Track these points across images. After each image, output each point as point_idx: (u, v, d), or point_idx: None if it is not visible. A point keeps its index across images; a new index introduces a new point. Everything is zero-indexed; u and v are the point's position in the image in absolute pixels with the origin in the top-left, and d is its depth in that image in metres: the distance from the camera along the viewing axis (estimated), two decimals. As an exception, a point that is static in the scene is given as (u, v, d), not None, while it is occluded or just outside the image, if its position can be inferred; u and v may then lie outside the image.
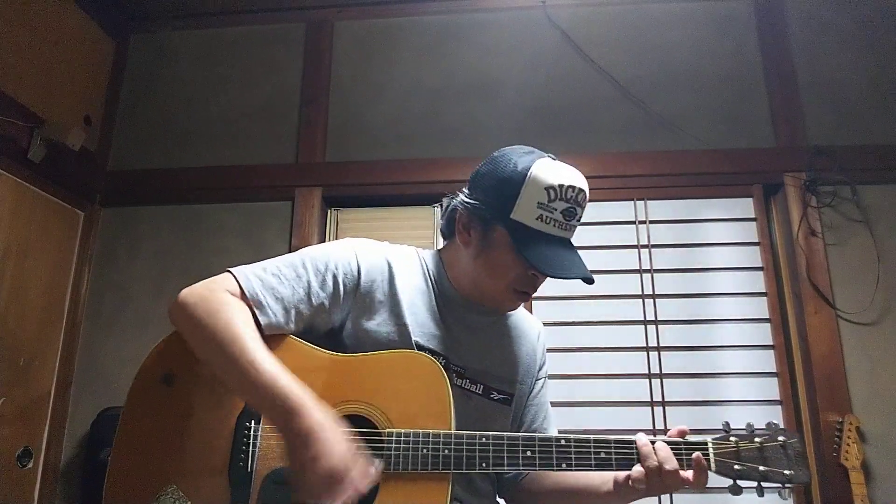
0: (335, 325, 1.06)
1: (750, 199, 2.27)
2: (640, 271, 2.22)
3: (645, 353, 2.14)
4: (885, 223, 2.15)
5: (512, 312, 1.19)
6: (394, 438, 0.95)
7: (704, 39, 2.44)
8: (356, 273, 1.06)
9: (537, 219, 1.00)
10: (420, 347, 1.04)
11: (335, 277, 1.04)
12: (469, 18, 2.54)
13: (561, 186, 1.00)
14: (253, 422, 0.98)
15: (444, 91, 2.46)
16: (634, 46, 2.45)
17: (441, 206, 1.16)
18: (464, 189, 1.10)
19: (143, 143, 2.53)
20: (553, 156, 1.06)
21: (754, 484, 0.97)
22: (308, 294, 1.02)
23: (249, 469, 0.95)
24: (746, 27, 2.43)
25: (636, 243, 2.25)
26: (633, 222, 2.27)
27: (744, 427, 1.01)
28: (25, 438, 2.08)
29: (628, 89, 2.38)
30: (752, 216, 2.25)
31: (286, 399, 0.87)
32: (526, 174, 1.00)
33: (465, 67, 2.49)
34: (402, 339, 1.04)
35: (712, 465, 0.96)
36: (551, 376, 2.10)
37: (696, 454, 0.95)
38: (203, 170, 2.45)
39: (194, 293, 0.98)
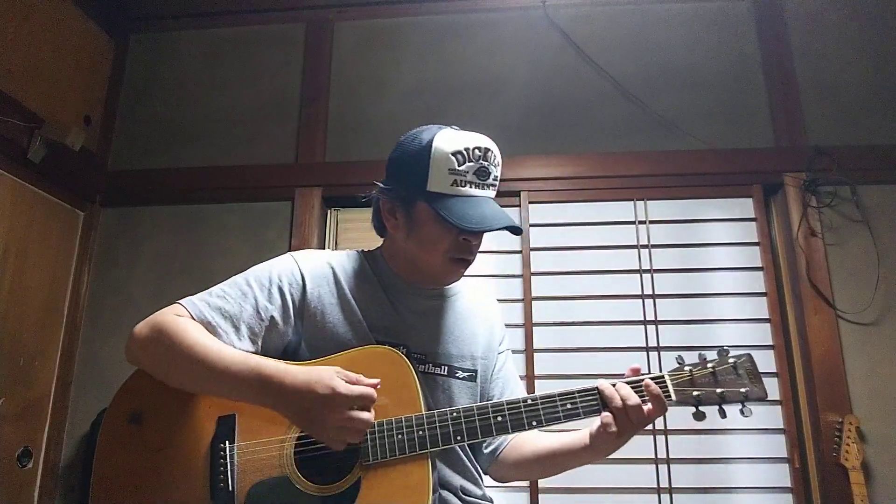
0: (291, 339, 1.08)
1: (750, 200, 2.27)
2: (640, 271, 2.22)
3: (645, 353, 2.14)
4: (885, 223, 2.15)
5: (463, 291, 1.22)
6: (367, 432, 0.96)
7: (704, 39, 2.44)
8: (301, 281, 1.08)
9: (452, 184, 1.04)
10: (378, 342, 1.06)
11: (281, 289, 1.07)
12: (469, 18, 2.54)
13: (467, 149, 1.04)
14: (227, 442, 0.98)
15: (445, 91, 2.46)
16: (634, 46, 2.45)
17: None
18: (381, 181, 1.15)
19: (143, 143, 2.53)
20: (456, 127, 1.10)
21: (716, 407, 1.01)
22: (256, 309, 1.04)
23: (231, 488, 0.96)
24: (746, 27, 2.43)
25: (636, 243, 2.25)
26: (633, 222, 2.27)
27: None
28: (25, 438, 2.08)
29: (628, 89, 2.39)
30: (752, 216, 2.25)
31: (260, 372, 0.92)
32: (431, 146, 1.04)
33: (465, 67, 2.49)
34: (359, 337, 1.06)
35: (672, 396, 1.00)
36: (552, 376, 2.12)
37: (645, 380, 1.00)
38: (203, 170, 2.45)
39: (145, 324, 1.02)
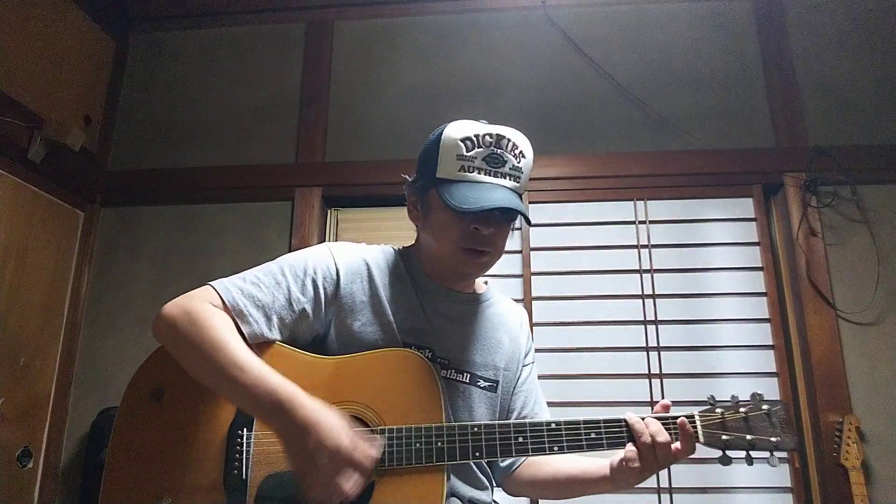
0: (319, 332, 1.07)
1: (750, 200, 2.27)
2: (640, 271, 2.22)
3: (645, 353, 2.14)
4: (885, 223, 2.15)
5: (494, 300, 1.20)
6: (386, 435, 0.96)
7: (704, 39, 2.44)
8: (335, 276, 1.07)
9: (459, 170, 1.02)
10: (405, 344, 1.05)
11: (315, 282, 1.05)
12: (469, 18, 2.54)
13: (477, 136, 1.03)
14: (245, 430, 0.98)
15: (444, 91, 2.46)
16: (634, 46, 2.45)
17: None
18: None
19: (143, 143, 2.53)
20: (485, 121, 1.08)
21: (743, 454, 0.98)
22: (289, 300, 1.02)
23: (244, 477, 0.95)
24: (746, 27, 2.43)
25: (636, 243, 2.25)
26: (633, 222, 2.27)
27: (728, 398, 1.02)
28: (25, 438, 2.08)
29: (628, 89, 2.39)
30: (752, 216, 2.25)
31: (277, 394, 0.88)
32: (441, 134, 1.04)
33: (465, 67, 2.49)
34: (387, 337, 1.05)
35: (700, 437, 0.98)
36: (551, 376, 2.12)
37: (680, 419, 0.97)
38: (203, 170, 2.45)
39: (176, 306, 0.98)
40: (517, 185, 1.05)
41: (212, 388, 0.97)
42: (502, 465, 1.17)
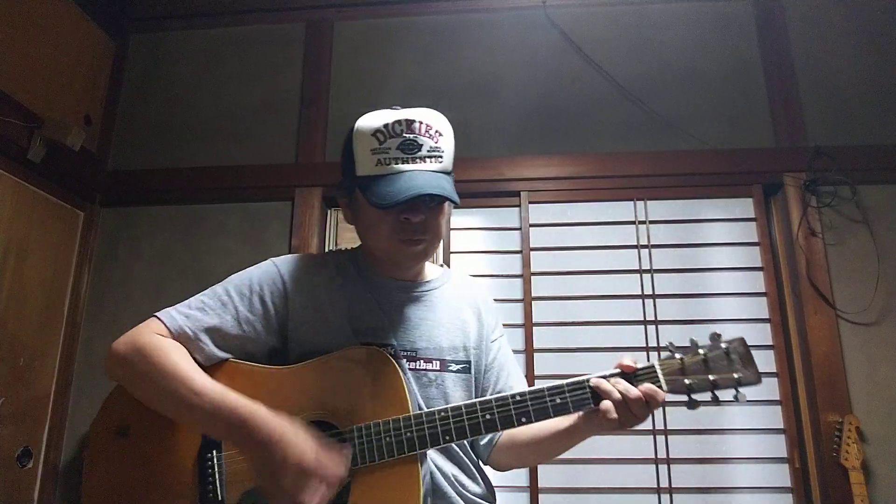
0: (276, 346, 1.06)
1: (750, 200, 2.27)
2: (640, 271, 2.22)
3: (645, 353, 2.14)
4: (885, 223, 2.15)
5: (449, 282, 1.19)
6: (355, 434, 0.95)
7: (704, 39, 2.44)
8: (282, 289, 1.06)
9: (377, 164, 1.00)
10: (363, 345, 1.03)
11: (262, 298, 1.04)
12: (469, 18, 2.54)
13: (386, 126, 1.01)
14: (215, 451, 0.98)
15: (444, 91, 2.46)
16: (634, 46, 2.45)
17: None
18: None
19: (143, 143, 2.53)
20: (398, 106, 1.05)
21: (709, 395, 0.97)
22: (237, 321, 1.02)
23: (220, 498, 0.95)
24: (746, 27, 2.43)
25: (636, 243, 2.25)
26: (633, 222, 2.27)
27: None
28: (25, 438, 2.08)
29: (628, 89, 2.39)
30: (752, 216, 2.25)
31: (237, 413, 0.89)
32: (353, 131, 1.03)
33: (464, 67, 2.49)
34: (344, 341, 1.03)
35: (664, 386, 0.96)
36: (552, 376, 2.12)
37: (644, 387, 0.95)
38: (203, 170, 2.45)
39: (123, 342, 0.99)
40: (441, 165, 1.02)
41: (172, 417, 0.97)
42: (482, 443, 1.16)
